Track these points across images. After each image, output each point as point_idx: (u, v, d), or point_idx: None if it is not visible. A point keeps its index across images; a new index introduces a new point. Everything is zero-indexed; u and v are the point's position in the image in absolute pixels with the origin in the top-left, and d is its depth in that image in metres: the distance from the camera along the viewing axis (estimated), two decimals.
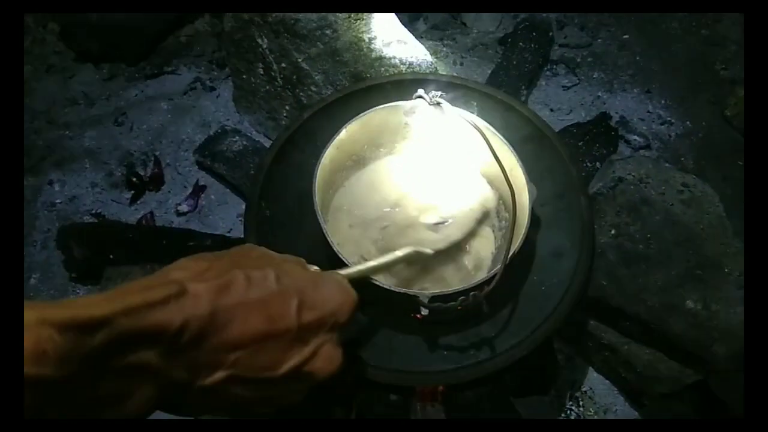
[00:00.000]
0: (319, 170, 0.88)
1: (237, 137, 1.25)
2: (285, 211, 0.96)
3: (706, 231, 0.97)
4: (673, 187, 1.04)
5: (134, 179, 1.30)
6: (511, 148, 0.91)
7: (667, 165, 1.14)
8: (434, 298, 0.79)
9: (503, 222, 0.98)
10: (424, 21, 1.65)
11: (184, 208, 1.26)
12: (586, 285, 0.93)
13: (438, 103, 0.95)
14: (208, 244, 1.10)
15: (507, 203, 0.96)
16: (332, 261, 0.82)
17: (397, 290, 0.80)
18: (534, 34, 1.46)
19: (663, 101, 1.53)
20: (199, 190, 1.28)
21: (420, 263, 0.90)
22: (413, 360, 0.86)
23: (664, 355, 0.95)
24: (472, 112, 0.96)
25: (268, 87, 1.21)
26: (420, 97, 0.96)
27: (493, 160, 0.90)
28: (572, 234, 0.93)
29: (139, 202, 1.29)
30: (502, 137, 0.92)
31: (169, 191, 1.30)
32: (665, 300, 0.91)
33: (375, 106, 0.94)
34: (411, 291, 0.80)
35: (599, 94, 1.53)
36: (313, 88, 1.14)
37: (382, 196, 1.00)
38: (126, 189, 1.30)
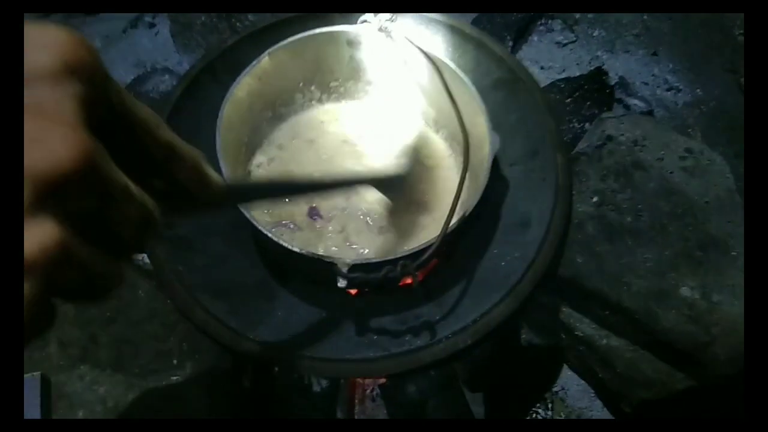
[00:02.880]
0: (227, 106, 0.71)
1: (166, 76, 1.07)
2: None
3: (711, 205, 0.79)
4: (675, 153, 0.85)
5: None
6: (473, 88, 0.73)
7: (669, 128, 0.95)
8: (355, 267, 0.61)
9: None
10: None
11: None
12: (556, 261, 0.75)
13: (387, 29, 0.76)
14: None
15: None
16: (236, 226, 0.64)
17: (307, 254, 0.62)
18: None
19: (671, 65, 1.33)
20: None
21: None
22: (337, 345, 0.69)
23: (650, 354, 0.78)
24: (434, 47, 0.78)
25: (203, 18, 1.03)
26: (366, 21, 0.78)
27: (450, 104, 0.72)
28: (544, 200, 0.75)
29: None
30: (462, 74, 0.73)
31: None
32: (655, 285, 0.74)
33: None
34: (326, 257, 0.62)
35: (598, 53, 1.34)
36: (251, 17, 0.96)
37: (317, 152, 0.82)
38: None
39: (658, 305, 0.73)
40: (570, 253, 0.76)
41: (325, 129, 0.83)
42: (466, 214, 0.66)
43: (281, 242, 0.62)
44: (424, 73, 0.78)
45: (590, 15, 1.42)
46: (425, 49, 0.75)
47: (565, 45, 1.35)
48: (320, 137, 0.82)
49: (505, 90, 0.83)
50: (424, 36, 0.85)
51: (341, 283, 0.61)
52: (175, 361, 0.71)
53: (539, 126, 0.79)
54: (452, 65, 0.74)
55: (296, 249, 0.62)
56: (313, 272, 0.70)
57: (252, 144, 0.79)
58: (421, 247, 0.62)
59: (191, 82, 0.80)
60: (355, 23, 0.78)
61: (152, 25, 1.26)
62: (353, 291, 0.72)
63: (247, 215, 0.63)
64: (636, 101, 1.19)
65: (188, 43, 1.12)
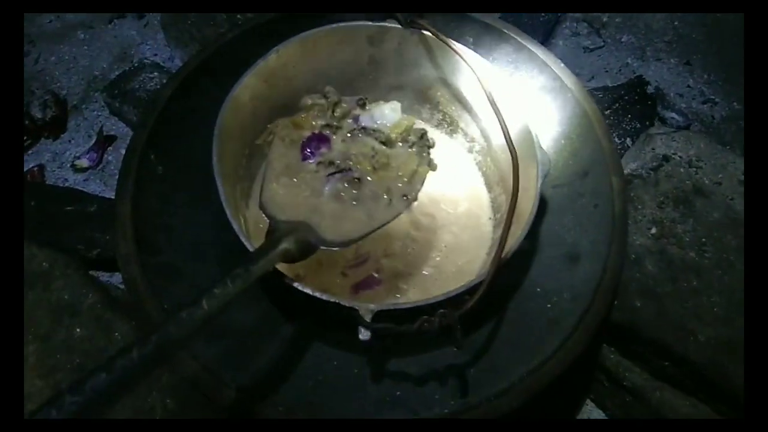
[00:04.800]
0: (227, 112, 0.59)
1: (156, 73, 0.95)
2: (186, 169, 0.67)
3: None
4: (734, 175, 0.75)
5: (27, 122, 0.99)
6: (518, 99, 0.61)
7: (721, 146, 0.84)
8: (381, 315, 0.50)
9: (498, 213, 0.69)
10: None
11: (83, 162, 0.97)
12: (612, 305, 0.64)
13: (416, 25, 0.65)
14: (92, 211, 0.81)
15: (506, 179, 0.67)
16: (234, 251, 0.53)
17: (322, 297, 0.51)
18: None
19: (706, 76, 1.23)
20: (104, 141, 0.98)
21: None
22: (353, 402, 0.57)
23: (712, 410, 0.67)
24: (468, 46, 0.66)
25: None
26: (392, 17, 0.66)
27: (489, 114, 0.61)
28: (596, 230, 0.64)
29: (29, 152, 0.99)
30: (505, 81, 0.62)
31: (69, 140, 1.01)
32: (723, 334, 0.63)
33: None
34: (346, 302, 0.51)
35: (628, 60, 1.24)
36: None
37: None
38: None
39: (729, 360, 0.62)
40: (626, 295, 0.65)
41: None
42: (513, 249, 0.55)
43: (295, 285, 0.50)
44: (455, 76, 0.67)
45: (618, 19, 1.32)
46: (458, 48, 0.64)
47: (592, 50, 1.25)
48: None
49: (548, 99, 0.72)
50: (454, 34, 0.73)
51: (364, 335, 0.49)
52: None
53: (589, 142, 0.68)
54: (491, 67, 0.63)
55: (308, 291, 0.51)
56: (327, 312, 0.59)
57: (254, 156, 0.68)
58: (464, 289, 0.51)
59: (184, 82, 0.68)
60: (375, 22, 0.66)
61: (141, 16, 1.14)
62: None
63: (246, 243, 0.52)
64: (673, 114, 1.08)
65: (181, 36, 0.99)
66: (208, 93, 0.69)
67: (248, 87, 0.62)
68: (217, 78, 0.70)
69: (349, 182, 0.61)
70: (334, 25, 0.66)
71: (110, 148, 0.99)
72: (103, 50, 1.11)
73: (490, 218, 0.71)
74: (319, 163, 0.62)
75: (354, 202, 0.60)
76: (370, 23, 0.66)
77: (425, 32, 0.65)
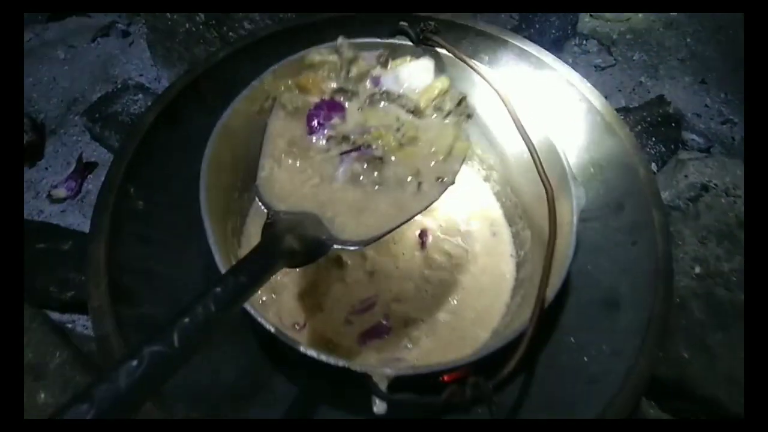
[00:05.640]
0: (217, 139, 0.52)
1: (140, 95, 0.88)
2: (169, 204, 0.59)
3: None
4: None
5: None
6: (544, 122, 0.54)
7: None
8: (399, 382, 0.42)
9: (522, 250, 0.62)
10: None
11: (61, 192, 0.89)
12: (658, 360, 0.56)
13: (429, 41, 0.58)
14: (66, 249, 0.72)
15: (529, 211, 0.60)
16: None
17: (329, 362, 0.43)
18: None
19: (723, 95, 1.18)
20: (84, 168, 0.90)
21: None
22: None
23: None
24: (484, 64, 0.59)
25: (187, 24, 0.84)
26: (402, 32, 0.59)
27: (509, 139, 0.54)
28: (636, 271, 0.56)
29: None
30: (528, 103, 0.55)
31: (46, 167, 0.93)
32: None
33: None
34: (357, 366, 0.43)
35: (642, 79, 1.18)
36: (246, 24, 0.77)
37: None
38: None
39: None
40: (671, 345, 0.57)
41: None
42: (550, 300, 0.47)
43: (295, 347, 0.42)
44: (470, 96, 0.60)
45: (629, 36, 1.26)
46: (477, 67, 0.57)
47: (604, 69, 1.19)
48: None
49: (575, 122, 0.65)
50: (467, 50, 0.66)
51: (379, 407, 0.41)
52: None
53: (624, 171, 0.61)
54: (513, 86, 0.56)
55: (311, 354, 0.43)
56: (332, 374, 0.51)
57: (247, 188, 0.60)
58: (497, 348, 0.43)
59: (169, 106, 0.61)
60: (383, 37, 0.59)
61: (126, 33, 1.07)
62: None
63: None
64: (694, 136, 1.02)
65: (168, 56, 0.92)
66: (195, 118, 0.61)
67: (240, 113, 0.54)
68: (206, 102, 0.63)
69: (368, 162, 0.49)
70: (336, 42, 0.58)
71: (90, 175, 0.91)
72: (84, 70, 1.04)
73: (512, 255, 0.64)
74: (330, 138, 0.51)
75: (375, 188, 0.49)
76: (379, 40, 0.59)
77: (438, 49, 0.58)
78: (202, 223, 0.49)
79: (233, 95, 0.55)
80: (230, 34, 0.78)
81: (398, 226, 0.47)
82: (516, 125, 0.52)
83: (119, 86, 0.93)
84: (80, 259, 0.72)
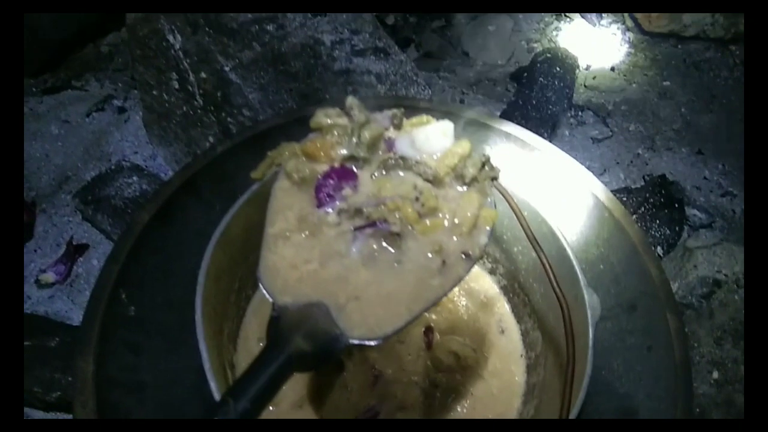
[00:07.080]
0: (216, 246, 0.49)
1: (135, 177, 0.86)
2: (163, 309, 0.56)
3: None
4: None
5: None
6: (550, 220, 0.53)
7: None
8: None
9: (533, 351, 0.59)
10: (416, 48, 1.30)
11: (49, 276, 0.86)
12: None
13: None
14: (52, 346, 0.69)
15: (540, 312, 0.57)
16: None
17: None
18: (558, 68, 1.11)
19: (720, 166, 1.18)
20: (75, 251, 0.88)
21: None
22: None
23: None
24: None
25: (185, 108, 0.83)
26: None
27: (512, 233, 0.52)
28: (653, 378, 0.54)
29: None
30: (531, 197, 0.54)
31: (35, 249, 0.90)
32: None
33: None
34: None
35: (639, 151, 1.18)
36: (245, 112, 0.76)
37: None
38: None
39: None
40: None
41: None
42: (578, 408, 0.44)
43: None
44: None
45: (624, 107, 1.27)
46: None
47: (600, 140, 1.19)
48: None
49: (583, 218, 0.63)
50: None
51: None
52: None
53: (633, 269, 0.59)
54: (514, 179, 0.54)
55: None
56: None
57: (245, 289, 0.58)
58: None
59: (165, 204, 0.59)
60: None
61: (122, 110, 1.06)
62: None
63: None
64: (695, 211, 1.01)
65: (165, 135, 0.91)
66: (192, 215, 0.59)
67: (242, 217, 0.52)
68: (203, 198, 0.61)
69: (385, 239, 0.43)
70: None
71: (80, 258, 0.88)
72: (78, 147, 1.02)
73: (522, 355, 0.61)
74: (341, 211, 0.45)
75: (394, 267, 0.43)
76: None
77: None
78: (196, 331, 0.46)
79: (231, 190, 0.53)
80: (228, 119, 0.77)
81: (421, 314, 0.41)
82: (528, 237, 0.50)
83: (113, 167, 0.91)
84: (67, 356, 0.69)
